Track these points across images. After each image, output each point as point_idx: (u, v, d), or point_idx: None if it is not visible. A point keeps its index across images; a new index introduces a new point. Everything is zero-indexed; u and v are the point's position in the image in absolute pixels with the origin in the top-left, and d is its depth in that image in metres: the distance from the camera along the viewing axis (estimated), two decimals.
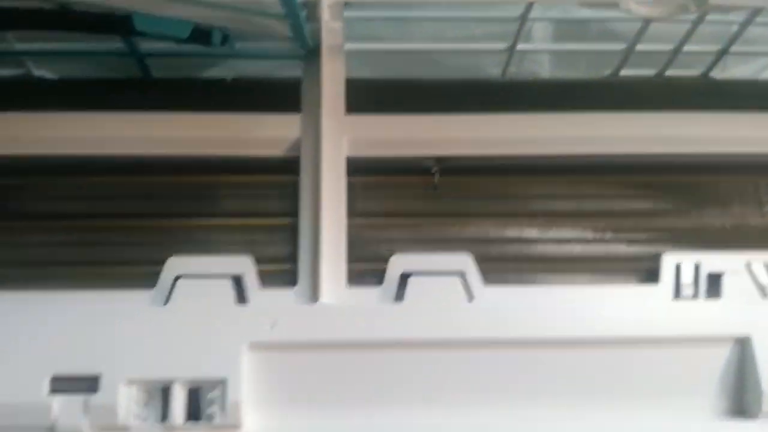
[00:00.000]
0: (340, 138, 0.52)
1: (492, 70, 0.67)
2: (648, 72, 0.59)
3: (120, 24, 0.50)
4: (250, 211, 0.52)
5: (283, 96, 0.54)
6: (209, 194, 0.53)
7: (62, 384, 0.43)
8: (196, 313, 0.45)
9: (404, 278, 0.48)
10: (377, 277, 0.49)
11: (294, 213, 0.51)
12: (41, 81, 0.60)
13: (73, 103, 0.61)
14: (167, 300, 0.46)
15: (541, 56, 0.65)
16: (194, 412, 0.44)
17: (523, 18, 0.51)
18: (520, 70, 0.66)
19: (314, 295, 0.48)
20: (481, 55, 0.63)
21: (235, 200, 0.53)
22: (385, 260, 0.49)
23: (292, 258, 0.50)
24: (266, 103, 0.53)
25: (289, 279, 0.49)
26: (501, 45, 0.57)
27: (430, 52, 0.65)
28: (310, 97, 0.53)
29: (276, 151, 0.52)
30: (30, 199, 0.53)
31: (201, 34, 0.51)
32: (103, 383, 0.43)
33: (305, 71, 0.55)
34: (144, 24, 0.49)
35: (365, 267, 0.50)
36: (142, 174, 0.52)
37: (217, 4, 0.49)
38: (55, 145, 0.52)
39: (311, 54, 0.54)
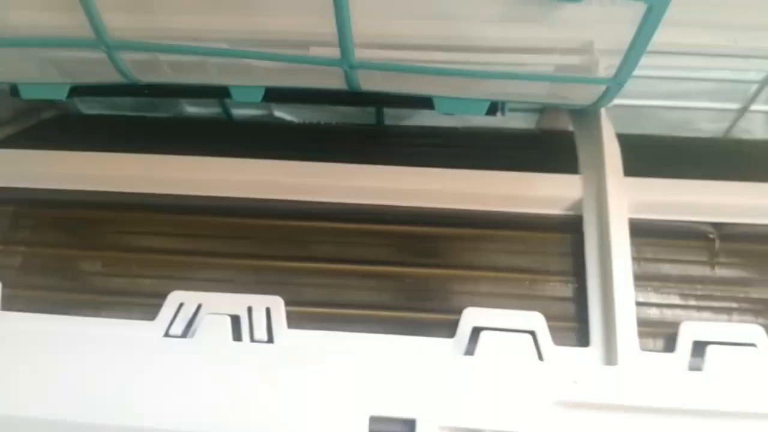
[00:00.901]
0: (622, 200, 0.53)
1: (703, 126, 0.67)
2: None
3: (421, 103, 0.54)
4: (528, 268, 0.54)
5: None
6: (484, 248, 0.55)
7: (380, 425, 0.45)
8: (501, 367, 0.47)
9: (699, 346, 0.48)
10: (662, 340, 0.50)
11: (565, 272, 0.52)
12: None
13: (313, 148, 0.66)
14: (468, 350, 0.48)
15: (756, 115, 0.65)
16: None
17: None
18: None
19: (609, 356, 0.48)
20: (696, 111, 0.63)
21: (513, 255, 0.54)
22: (669, 324, 0.50)
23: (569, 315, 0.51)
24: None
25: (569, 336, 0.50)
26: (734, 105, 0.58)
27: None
28: (589, 156, 0.55)
29: (555, 209, 0.54)
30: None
31: (493, 107, 0.54)
32: (419, 428, 0.45)
33: (577, 125, 0.57)
34: (443, 106, 0.53)
35: (650, 330, 0.50)
36: (423, 225, 0.55)
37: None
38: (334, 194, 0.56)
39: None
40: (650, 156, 0.57)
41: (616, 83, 0.48)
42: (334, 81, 0.51)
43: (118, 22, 0.48)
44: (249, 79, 0.54)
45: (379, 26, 0.47)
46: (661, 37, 0.44)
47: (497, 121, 0.65)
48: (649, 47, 0.45)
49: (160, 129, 0.73)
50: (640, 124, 0.67)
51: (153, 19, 0.49)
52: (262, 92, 0.55)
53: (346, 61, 0.47)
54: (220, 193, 0.57)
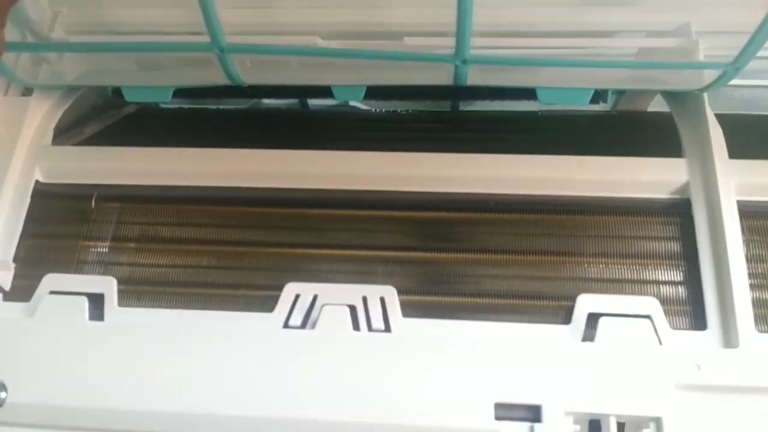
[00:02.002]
0: (730, 182, 0.53)
1: None
2: None
3: (526, 95, 0.54)
4: (637, 252, 0.54)
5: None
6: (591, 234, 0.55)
7: (506, 411, 0.46)
8: (623, 352, 0.47)
9: None
10: None
11: (675, 255, 0.53)
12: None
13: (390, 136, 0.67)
14: (586, 336, 0.49)
15: None
16: None
17: None
18: None
19: (727, 339, 0.48)
20: None
21: (621, 240, 0.54)
22: None
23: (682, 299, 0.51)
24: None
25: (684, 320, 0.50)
26: None
27: None
28: (692, 139, 0.55)
29: (662, 194, 0.54)
30: None
31: (596, 96, 0.54)
32: (545, 413, 0.45)
33: (675, 108, 0.57)
34: (547, 96, 0.53)
35: (763, 312, 0.50)
36: (534, 213, 0.55)
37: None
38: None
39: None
40: (743, 136, 0.57)
41: (734, 68, 0.47)
42: (440, 77, 0.51)
43: (231, 18, 0.49)
44: (351, 77, 0.55)
45: (493, 16, 0.47)
46: None
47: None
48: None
49: (239, 121, 0.74)
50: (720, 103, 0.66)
51: (266, 14, 0.49)
52: (363, 91, 0.56)
53: (459, 57, 0.47)
54: (320, 186, 0.57)
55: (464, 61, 0.47)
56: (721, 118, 0.56)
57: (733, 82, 0.67)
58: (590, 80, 0.53)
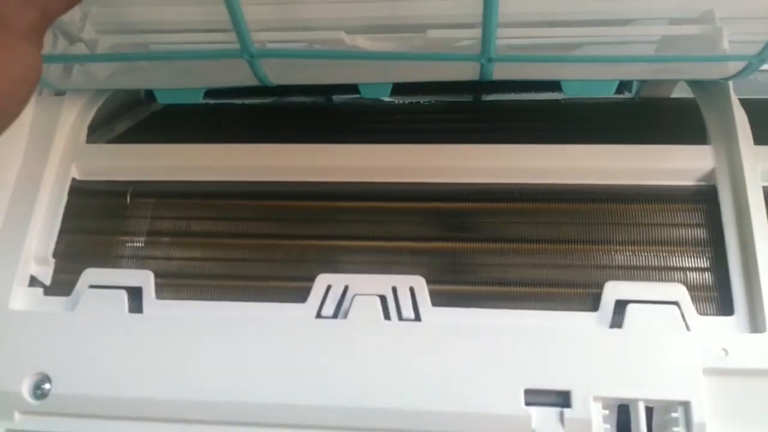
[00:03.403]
0: (755, 169, 0.53)
1: None
2: None
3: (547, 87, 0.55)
4: (664, 239, 0.54)
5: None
6: (618, 221, 0.55)
7: (536, 397, 0.47)
8: (651, 338, 0.48)
9: None
10: None
11: (701, 242, 0.53)
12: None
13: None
14: (614, 323, 0.49)
15: None
16: (650, 430, 0.47)
17: None
18: None
19: (754, 324, 0.49)
20: None
21: (647, 227, 0.55)
22: None
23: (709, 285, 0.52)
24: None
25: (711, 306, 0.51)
26: None
27: None
28: (717, 126, 0.55)
29: (688, 181, 0.55)
30: None
31: (621, 86, 0.54)
32: (575, 399, 0.46)
33: (700, 95, 0.57)
34: (572, 89, 0.53)
35: None
36: (559, 202, 0.56)
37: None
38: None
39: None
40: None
41: (759, 60, 0.47)
42: (466, 73, 0.52)
43: (257, 14, 0.49)
44: (377, 74, 0.56)
45: (519, 5, 0.48)
46: None
47: None
48: None
49: (265, 115, 0.75)
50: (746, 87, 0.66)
51: (290, 9, 0.50)
52: (389, 88, 0.57)
53: (485, 55, 0.48)
54: (346, 179, 0.58)
55: (490, 60, 0.48)
56: (746, 103, 0.56)
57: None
58: (615, 72, 0.53)
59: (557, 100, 0.69)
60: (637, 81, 0.70)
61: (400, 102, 0.75)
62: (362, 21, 0.50)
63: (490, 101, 0.73)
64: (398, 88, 0.59)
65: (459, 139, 0.58)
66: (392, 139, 0.58)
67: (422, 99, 0.73)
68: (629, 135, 0.57)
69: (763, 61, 0.48)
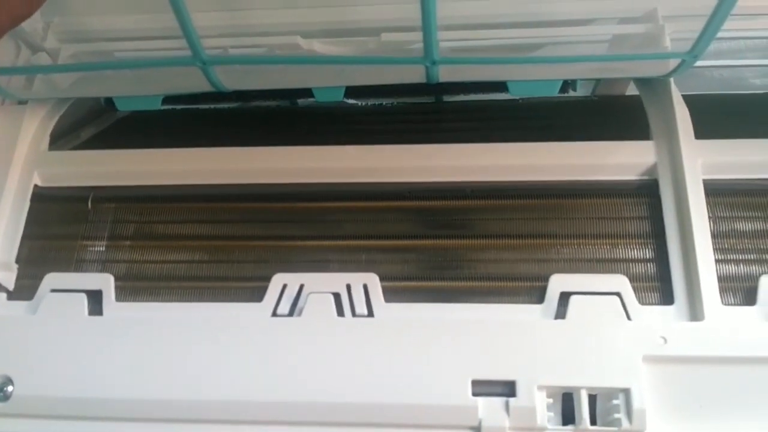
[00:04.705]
0: (696, 162, 0.55)
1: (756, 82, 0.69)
2: None
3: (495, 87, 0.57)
4: (607, 233, 0.56)
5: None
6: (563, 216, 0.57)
7: (482, 387, 0.49)
8: (593, 328, 0.49)
9: None
10: (742, 294, 0.52)
11: (643, 234, 0.55)
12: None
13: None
14: (558, 314, 0.51)
15: None
16: (593, 417, 0.48)
17: None
18: None
19: (693, 313, 0.51)
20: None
21: (592, 222, 0.57)
22: (747, 279, 0.52)
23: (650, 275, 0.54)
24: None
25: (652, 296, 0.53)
26: None
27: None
28: (659, 121, 0.57)
29: (631, 175, 0.56)
30: None
31: (565, 85, 0.56)
32: (519, 388, 0.48)
33: (644, 92, 0.59)
34: (517, 89, 0.56)
35: (728, 285, 0.53)
36: (509, 198, 0.58)
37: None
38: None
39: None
40: (711, 115, 0.59)
41: (692, 56, 0.49)
42: (413, 76, 0.54)
43: (208, 22, 0.51)
44: (330, 78, 0.57)
45: (459, 9, 0.50)
46: None
47: None
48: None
49: (231, 120, 0.76)
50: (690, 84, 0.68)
51: (244, 15, 0.52)
52: (342, 92, 0.58)
53: (428, 58, 0.50)
54: (303, 180, 0.60)
55: (434, 62, 0.50)
56: (690, 99, 0.58)
57: (707, 63, 0.69)
58: (559, 72, 0.55)
59: (515, 100, 0.70)
60: (594, 80, 0.72)
61: (364, 104, 0.76)
62: (315, 26, 0.52)
63: (451, 102, 0.75)
64: (354, 92, 0.60)
65: (420, 139, 0.59)
66: (355, 140, 0.59)
67: (385, 101, 0.75)
68: (584, 132, 0.59)
69: (696, 58, 0.50)
